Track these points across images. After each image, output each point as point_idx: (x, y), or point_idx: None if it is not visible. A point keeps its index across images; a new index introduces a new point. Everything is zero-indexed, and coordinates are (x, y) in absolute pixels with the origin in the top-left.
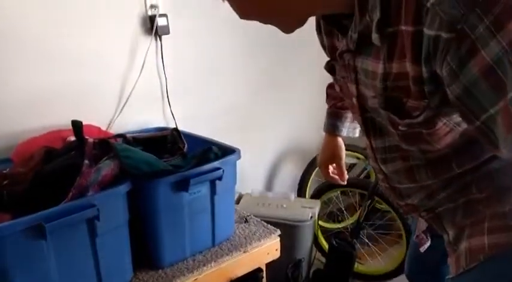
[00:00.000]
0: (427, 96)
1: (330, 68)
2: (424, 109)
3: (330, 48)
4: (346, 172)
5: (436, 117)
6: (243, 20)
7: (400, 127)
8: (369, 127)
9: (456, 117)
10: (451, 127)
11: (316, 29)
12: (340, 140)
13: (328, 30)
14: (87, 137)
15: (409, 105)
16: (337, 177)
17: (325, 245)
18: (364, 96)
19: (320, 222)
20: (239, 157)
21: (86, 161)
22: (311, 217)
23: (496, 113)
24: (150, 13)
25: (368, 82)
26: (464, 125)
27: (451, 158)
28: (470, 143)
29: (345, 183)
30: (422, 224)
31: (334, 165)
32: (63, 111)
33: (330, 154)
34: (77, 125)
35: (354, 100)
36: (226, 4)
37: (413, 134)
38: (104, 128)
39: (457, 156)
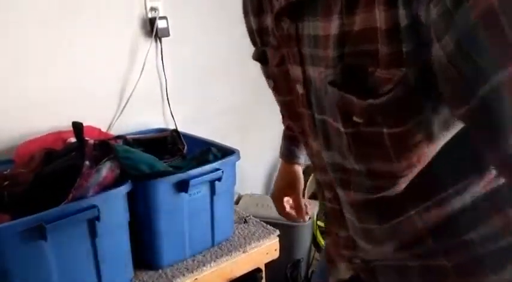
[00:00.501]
0: (404, 62)
1: (259, 56)
2: (398, 82)
3: (258, 30)
4: (306, 207)
5: (409, 108)
6: (242, 23)
7: (354, 118)
8: (319, 132)
9: (433, 125)
10: (423, 137)
11: (243, 12)
12: (298, 168)
13: (257, 5)
14: (87, 139)
15: (377, 75)
16: (294, 213)
17: (323, 244)
18: (311, 81)
19: (318, 223)
20: (238, 158)
21: (87, 162)
22: (309, 218)
23: (500, 83)
24: (150, 15)
25: (317, 54)
26: (439, 140)
27: (409, 194)
28: (440, 176)
29: (305, 220)
30: (343, 272)
31: (291, 199)
32: (64, 112)
33: (285, 185)
34: (77, 127)
35: (300, 88)
36: (226, 6)
37: (370, 136)
38: (104, 130)
39: (417, 193)
